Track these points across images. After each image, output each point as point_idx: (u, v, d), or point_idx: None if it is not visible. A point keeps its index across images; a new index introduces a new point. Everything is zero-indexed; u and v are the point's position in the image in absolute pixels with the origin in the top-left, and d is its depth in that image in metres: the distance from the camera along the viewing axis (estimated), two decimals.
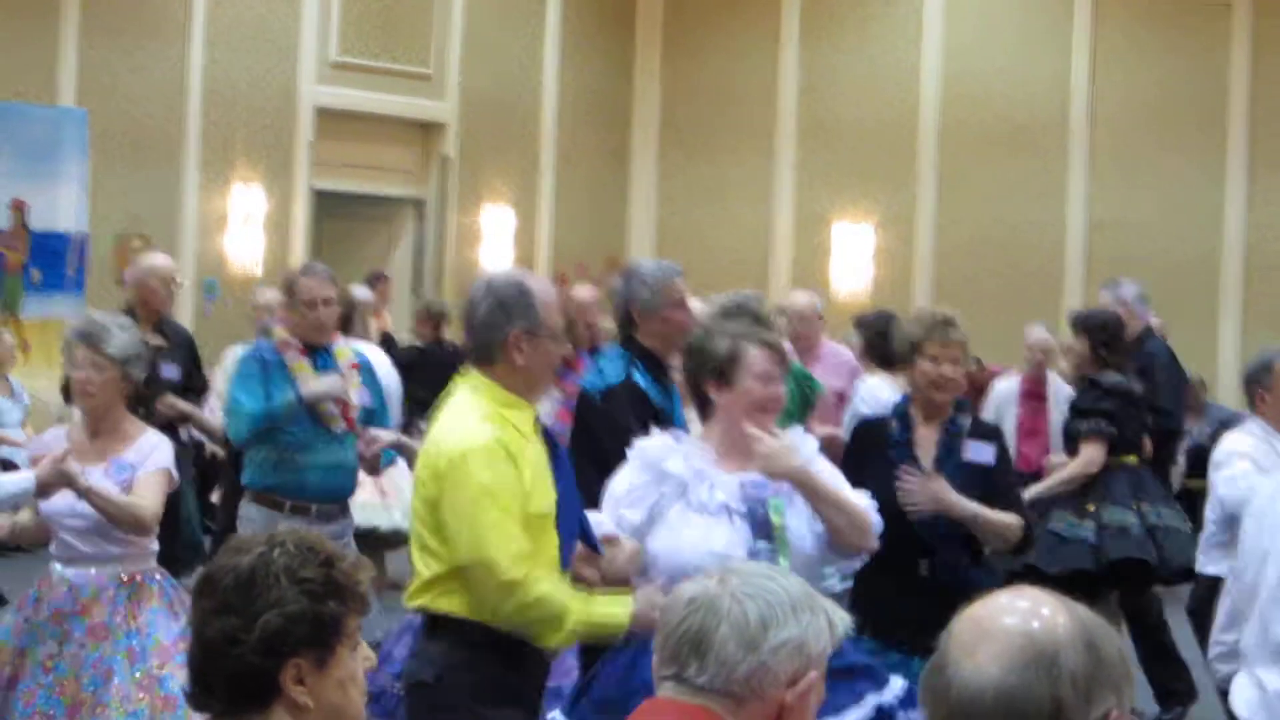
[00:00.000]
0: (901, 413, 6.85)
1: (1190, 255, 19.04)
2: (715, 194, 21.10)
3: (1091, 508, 9.67)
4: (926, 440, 6.76)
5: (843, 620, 3.34)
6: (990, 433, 6.99)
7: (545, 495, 5.17)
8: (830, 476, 5.70)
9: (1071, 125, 19.70)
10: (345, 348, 8.81)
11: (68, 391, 10.49)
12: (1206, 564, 8.52)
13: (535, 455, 5.20)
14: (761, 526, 5.43)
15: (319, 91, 18.46)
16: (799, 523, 5.54)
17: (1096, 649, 2.46)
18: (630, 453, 5.69)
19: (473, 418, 5.18)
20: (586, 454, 6.44)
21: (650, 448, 5.64)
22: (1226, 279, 19.13)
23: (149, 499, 6.75)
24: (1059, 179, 19.71)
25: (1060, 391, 11.28)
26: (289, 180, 18.31)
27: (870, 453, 6.74)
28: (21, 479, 6.63)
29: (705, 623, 3.20)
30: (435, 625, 5.27)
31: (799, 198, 20.91)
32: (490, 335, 5.23)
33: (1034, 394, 11.63)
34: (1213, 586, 7.59)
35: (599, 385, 7.10)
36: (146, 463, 6.82)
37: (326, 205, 18.88)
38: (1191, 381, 17.99)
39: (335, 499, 8.38)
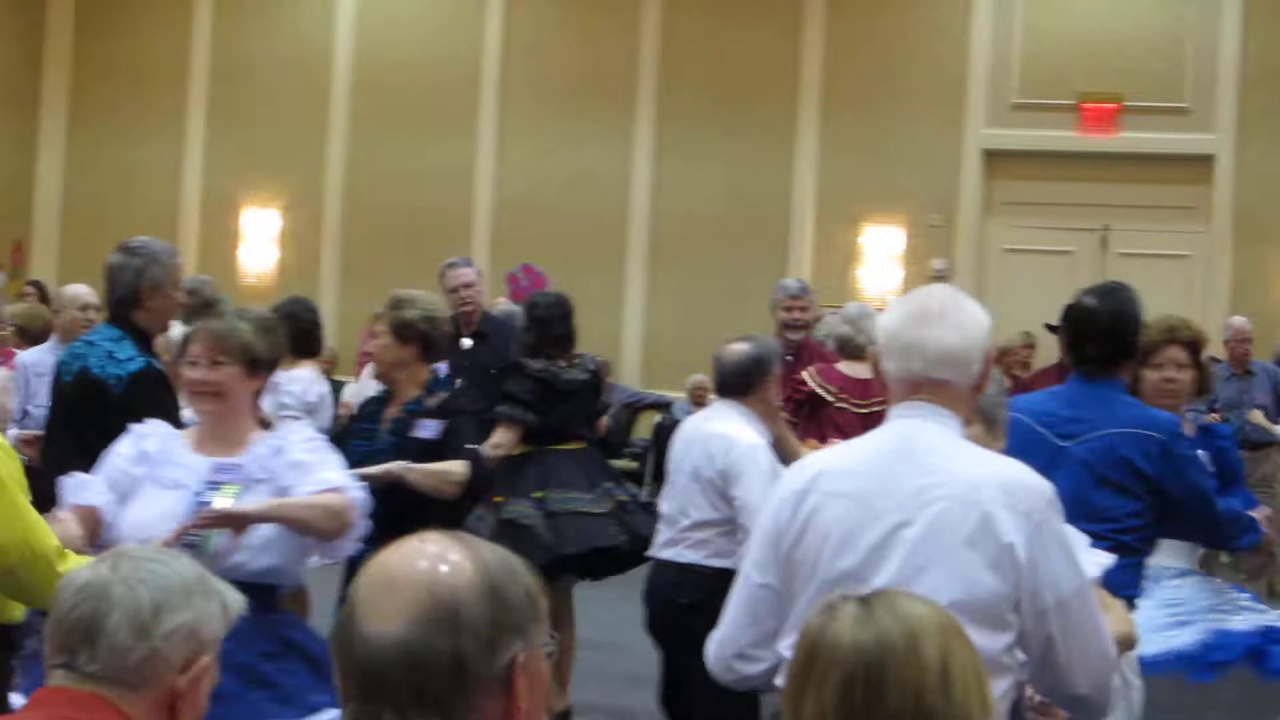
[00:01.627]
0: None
1: (598, 235, 19.50)
2: (123, 177, 20.69)
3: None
4: (387, 419, 7.65)
5: (236, 602, 3.35)
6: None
7: None
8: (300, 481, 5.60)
9: (482, 109, 19.98)
10: None
11: None
12: None
13: None
14: (203, 507, 5.41)
15: None
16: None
17: (499, 595, 2.45)
18: (129, 432, 5.68)
19: None
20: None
21: (144, 429, 5.68)
22: (633, 262, 19.67)
23: None
24: (468, 160, 19.95)
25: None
26: None
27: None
28: None
29: (96, 609, 3.17)
30: None
31: (207, 181, 20.70)
32: None
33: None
34: None
35: (118, 371, 6.81)
36: None
37: None
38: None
39: None
